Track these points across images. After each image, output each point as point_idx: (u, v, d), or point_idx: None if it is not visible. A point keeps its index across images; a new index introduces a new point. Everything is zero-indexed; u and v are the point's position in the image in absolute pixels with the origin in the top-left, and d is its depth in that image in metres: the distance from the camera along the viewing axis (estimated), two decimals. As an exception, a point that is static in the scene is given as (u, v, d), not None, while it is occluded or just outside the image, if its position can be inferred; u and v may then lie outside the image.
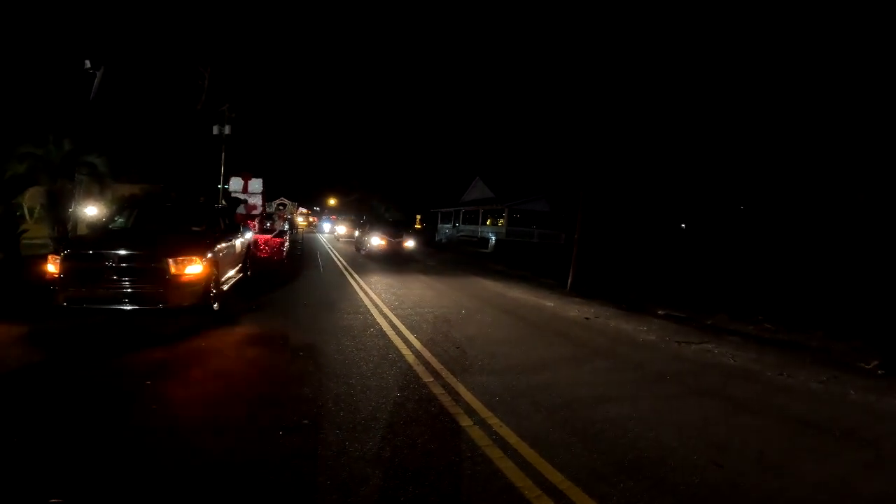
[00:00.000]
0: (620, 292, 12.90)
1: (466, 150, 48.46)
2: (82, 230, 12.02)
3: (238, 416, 3.92)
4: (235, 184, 15.39)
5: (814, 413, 4.86)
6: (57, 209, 11.87)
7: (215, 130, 21.51)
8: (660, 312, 10.35)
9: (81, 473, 2.93)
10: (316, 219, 45.54)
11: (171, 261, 6.19)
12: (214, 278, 7.03)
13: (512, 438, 3.79)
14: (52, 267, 6.11)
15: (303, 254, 20.07)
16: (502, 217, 34.80)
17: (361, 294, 10.30)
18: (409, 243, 19.71)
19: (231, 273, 8.52)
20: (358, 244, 21.48)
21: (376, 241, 18.58)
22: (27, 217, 17.58)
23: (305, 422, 3.85)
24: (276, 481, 3.01)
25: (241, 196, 15.25)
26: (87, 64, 16.46)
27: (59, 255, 6.16)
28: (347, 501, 2.84)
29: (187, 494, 2.83)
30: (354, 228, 28.99)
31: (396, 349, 6.20)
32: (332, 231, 39.62)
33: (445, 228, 42.60)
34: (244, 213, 14.06)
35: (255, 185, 15.32)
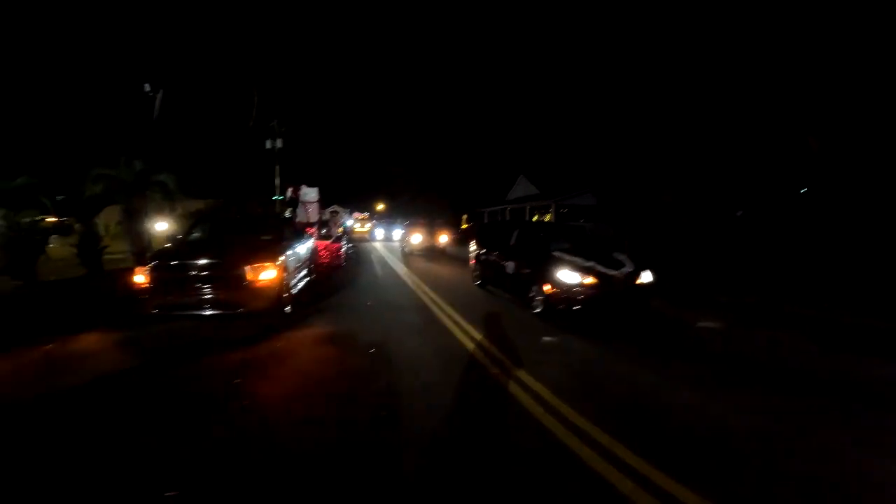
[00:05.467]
0: (678, 280, 12.65)
1: (509, 147, 48.02)
2: (157, 244, 12.86)
3: (320, 411, 4.20)
4: (311, 193, 15.92)
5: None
6: (133, 225, 12.76)
7: (268, 144, 22.43)
8: (722, 300, 10.16)
9: (188, 466, 3.20)
10: (372, 223, 42.29)
11: (247, 268, 6.63)
12: (285, 283, 7.45)
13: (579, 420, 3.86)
14: (140, 278, 6.65)
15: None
16: (549, 212, 34.58)
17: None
18: (646, 278, 8.16)
19: (298, 278, 8.96)
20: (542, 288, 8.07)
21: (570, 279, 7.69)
22: (103, 234, 18.89)
23: (383, 413, 4.10)
24: (360, 469, 3.22)
25: (308, 202, 15.75)
26: (147, 87, 17.59)
27: (146, 266, 6.69)
28: (430, 488, 3.04)
29: (281, 482, 3.05)
30: (434, 235, 22.03)
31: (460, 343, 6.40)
32: (397, 238, 30.03)
33: (492, 227, 42.42)
34: (304, 220, 14.62)
35: (311, 194, 15.89)
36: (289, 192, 16.29)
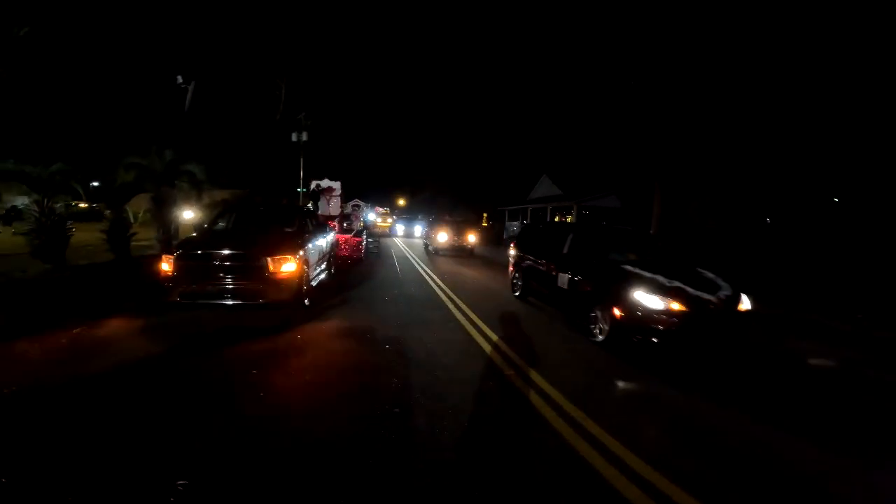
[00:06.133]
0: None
1: (532, 147, 47.76)
2: (184, 232, 13.12)
3: (333, 404, 4.23)
4: (333, 187, 16.15)
5: None
6: (161, 214, 13.05)
7: (294, 137, 22.72)
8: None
9: (201, 455, 3.24)
10: (393, 219, 42.24)
11: (269, 259, 6.73)
12: (306, 275, 7.54)
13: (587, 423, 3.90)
14: (166, 266, 6.79)
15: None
16: (571, 214, 34.27)
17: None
18: (747, 304, 6.73)
19: (318, 271, 9.05)
20: None
21: None
22: (132, 221, 19.37)
23: (396, 410, 4.11)
24: (368, 466, 3.22)
25: (325, 194, 15.94)
26: (179, 79, 17.95)
27: (172, 255, 6.83)
28: (438, 486, 3.03)
29: (289, 475, 3.07)
30: (461, 235, 19.99)
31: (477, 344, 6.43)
32: (418, 235, 31.61)
33: (513, 226, 42.49)
34: (326, 213, 14.79)
35: (334, 187, 16.05)
36: (313, 185, 16.49)
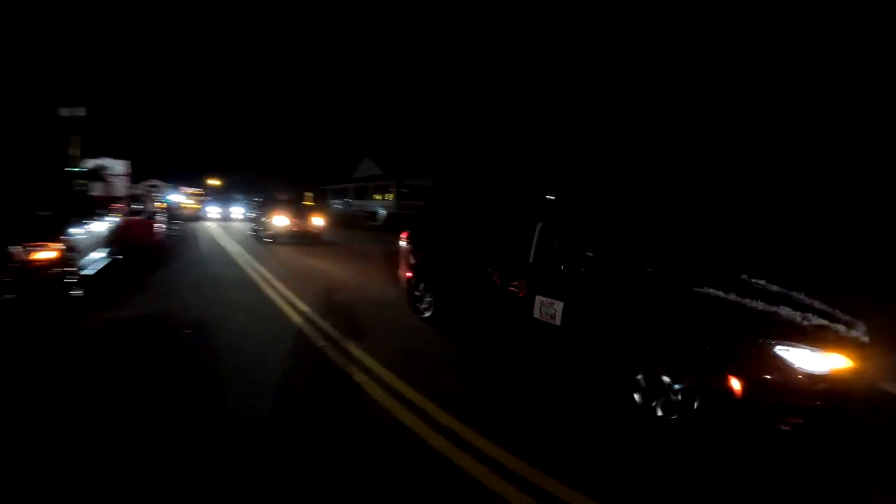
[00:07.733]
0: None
1: (355, 129, 48.67)
2: None
3: (123, 396, 3.97)
4: (116, 166, 14.32)
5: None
6: None
7: (65, 112, 19.39)
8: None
9: None
10: (204, 199, 37.56)
11: (18, 248, 5.91)
12: (72, 263, 6.76)
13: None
14: None
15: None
16: (391, 192, 35.68)
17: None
18: None
19: (95, 257, 8.18)
20: None
21: None
22: None
23: (198, 394, 4.05)
24: (174, 456, 3.11)
25: (108, 176, 14.16)
26: None
27: None
28: (249, 463, 3.05)
29: (86, 477, 2.85)
30: (304, 218, 17.12)
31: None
32: (237, 216, 31.27)
33: (336, 204, 42.67)
34: (105, 194, 13.11)
35: (117, 167, 14.33)
36: (90, 165, 14.52)
